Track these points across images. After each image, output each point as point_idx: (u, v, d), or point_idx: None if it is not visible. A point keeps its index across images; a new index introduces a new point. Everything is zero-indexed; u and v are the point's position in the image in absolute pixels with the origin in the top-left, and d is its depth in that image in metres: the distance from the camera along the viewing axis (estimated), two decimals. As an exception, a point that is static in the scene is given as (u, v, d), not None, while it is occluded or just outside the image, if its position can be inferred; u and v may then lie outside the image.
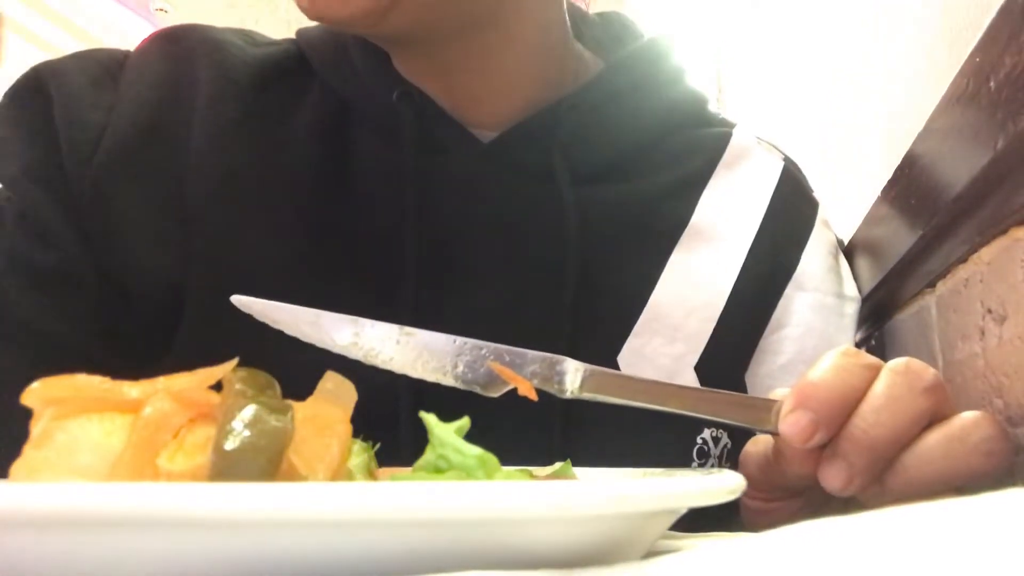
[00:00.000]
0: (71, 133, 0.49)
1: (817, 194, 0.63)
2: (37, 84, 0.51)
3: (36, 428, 0.26)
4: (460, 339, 0.37)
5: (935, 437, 0.34)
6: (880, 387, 0.35)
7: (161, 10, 3.62)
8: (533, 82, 0.54)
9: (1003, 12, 0.38)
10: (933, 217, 0.49)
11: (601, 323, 0.50)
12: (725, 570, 0.18)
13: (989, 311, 0.44)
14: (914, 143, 0.53)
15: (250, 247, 0.49)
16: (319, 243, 0.50)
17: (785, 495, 0.40)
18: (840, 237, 0.64)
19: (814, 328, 0.55)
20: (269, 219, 0.50)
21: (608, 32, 0.62)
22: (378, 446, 0.34)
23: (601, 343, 0.50)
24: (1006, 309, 0.42)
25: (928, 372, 0.35)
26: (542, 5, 0.53)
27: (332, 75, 0.54)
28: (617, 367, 0.49)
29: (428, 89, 0.52)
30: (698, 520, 0.36)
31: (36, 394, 0.27)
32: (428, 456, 0.29)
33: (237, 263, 0.48)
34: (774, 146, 0.63)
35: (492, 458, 0.28)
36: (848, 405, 0.34)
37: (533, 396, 0.36)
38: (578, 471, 0.36)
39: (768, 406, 0.36)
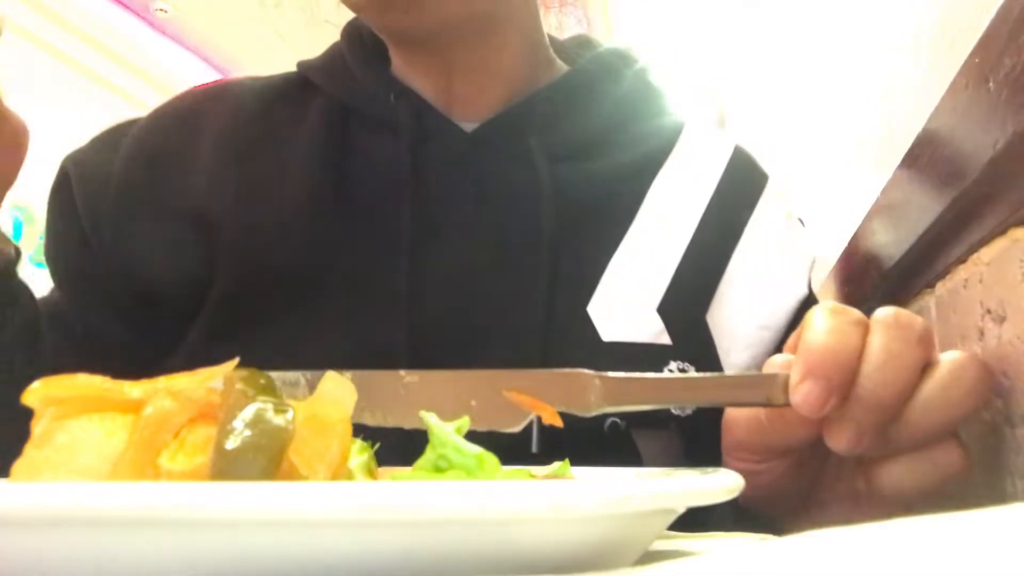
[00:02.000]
0: (86, 198, 0.59)
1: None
2: (62, 173, 0.61)
3: (37, 428, 0.26)
4: (468, 372, 0.37)
5: (932, 387, 0.35)
6: (877, 344, 0.35)
7: (161, 10, 3.62)
8: (514, 81, 0.61)
9: (1002, 13, 0.38)
10: (932, 218, 0.49)
11: (573, 279, 0.55)
12: None
13: (988, 312, 0.44)
14: (913, 144, 0.53)
15: (268, 230, 0.56)
16: (327, 222, 0.56)
17: (773, 456, 0.41)
18: (796, 210, 0.68)
19: (767, 269, 0.59)
20: (283, 207, 0.57)
21: (576, 46, 0.69)
22: (378, 446, 0.34)
23: (573, 294, 0.55)
24: (1005, 310, 0.42)
25: (917, 321, 0.36)
26: (529, 13, 0.61)
27: (333, 85, 0.61)
28: (588, 317, 0.53)
29: (421, 90, 0.60)
30: (698, 520, 0.36)
31: (37, 394, 0.27)
32: (428, 456, 0.29)
33: (259, 248, 0.56)
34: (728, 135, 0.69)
35: (492, 457, 0.28)
36: (853, 367, 0.35)
37: (559, 422, 0.36)
38: (576, 471, 0.36)
39: (773, 381, 0.36)
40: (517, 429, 0.36)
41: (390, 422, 0.36)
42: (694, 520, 0.37)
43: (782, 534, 0.40)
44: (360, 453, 0.32)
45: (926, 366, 0.36)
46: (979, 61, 0.40)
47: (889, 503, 0.38)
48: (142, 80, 3.91)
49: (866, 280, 0.68)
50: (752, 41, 2.06)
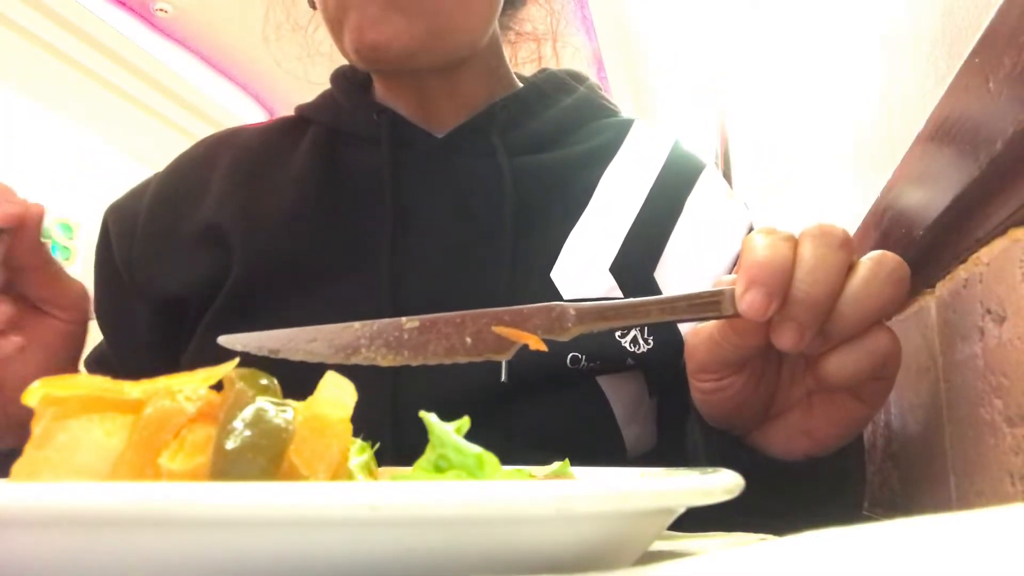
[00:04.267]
0: (119, 242, 0.69)
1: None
2: (103, 224, 0.71)
3: (37, 428, 0.26)
4: (459, 314, 0.41)
5: (856, 282, 0.40)
6: (807, 252, 0.40)
7: (161, 10, 3.62)
8: (479, 99, 0.71)
9: (1002, 13, 0.38)
10: (933, 217, 0.49)
11: (534, 251, 0.64)
12: None
13: (988, 312, 0.44)
14: (913, 143, 0.53)
15: (268, 229, 0.65)
16: (318, 221, 0.65)
17: (732, 371, 0.46)
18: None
19: (707, 233, 0.67)
20: (280, 209, 0.66)
21: (538, 72, 0.80)
22: (378, 446, 0.34)
23: (537, 262, 0.63)
24: (1005, 309, 0.42)
25: (838, 230, 0.42)
26: (492, 48, 0.72)
27: (323, 114, 0.72)
28: (551, 281, 0.62)
29: (399, 110, 0.70)
30: (695, 519, 0.37)
31: (37, 394, 0.27)
32: (428, 455, 0.29)
33: (261, 244, 0.64)
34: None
35: (492, 457, 0.28)
36: (788, 274, 0.40)
37: (543, 347, 0.41)
38: (576, 471, 0.36)
39: (723, 295, 0.41)
40: (508, 356, 0.41)
41: (399, 362, 0.40)
42: (694, 520, 0.37)
43: (782, 535, 0.40)
44: (360, 453, 0.32)
45: (850, 267, 0.41)
46: (979, 61, 0.40)
47: (836, 391, 0.44)
48: (142, 80, 3.90)
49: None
50: (752, 41, 2.06)
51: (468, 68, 0.70)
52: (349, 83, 0.74)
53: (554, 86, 0.75)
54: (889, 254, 0.41)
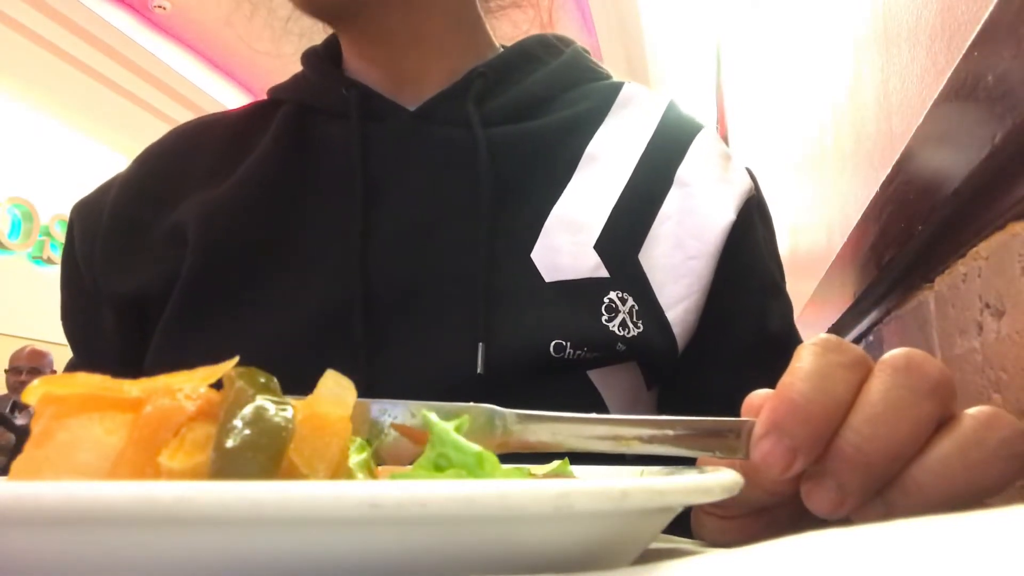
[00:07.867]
0: (82, 239, 0.66)
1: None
2: (70, 223, 0.68)
3: (37, 426, 0.26)
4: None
5: (948, 445, 0.30)
6: (876, 392, 0.30)
7: (160, 7, 3.61)
8: (454, 64, 0.67)
9: (1000, 7, 0.38)
10: (931, 212, 0.49)
11: (514, 229, 0.59)
12: None
13: (987, 306, 0.44)
14: (912, 139, 0.53)
15: (227, 211, 0.61)
16: (284, 201, 0.62)
17: (748, 511, 0.36)
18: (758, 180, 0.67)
19: (698, 205, 0.61)
20: (241, 191, 0.63)
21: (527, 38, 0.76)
22: (377, 443, 0.34)
23: (516, 241, 0.59)
24: (1004, 304, 0.42)
25: (932, 367, 0.31)
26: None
27: (294, 91, 0.69)
28: (531, 262, 0.58)
29: (371, 83, 0.66)
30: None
31: (37, 392, 0.27)
32: (428, 454, 0.29)
33: (218, 228, 0.61)
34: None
35: (492, 456, 0.28)
36: (832, 420, 0.30)
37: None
38: (576, 470, 0.36)
39: (736, 429, 0.32)
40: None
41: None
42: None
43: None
44: (359, 451, 0.32)
45: (945, 421, 0.31)
46: (978, 55, 0.40)
47: None
48: (140, 77, 3.90)
49: (866, 274, 0.68)
50: (749, 36, 2.06)
51: (426, 10, 0.66)
52: (320, 59, 0.70)
53: (539, 48, 0.69)
54: (1004, 414, 0.30)
